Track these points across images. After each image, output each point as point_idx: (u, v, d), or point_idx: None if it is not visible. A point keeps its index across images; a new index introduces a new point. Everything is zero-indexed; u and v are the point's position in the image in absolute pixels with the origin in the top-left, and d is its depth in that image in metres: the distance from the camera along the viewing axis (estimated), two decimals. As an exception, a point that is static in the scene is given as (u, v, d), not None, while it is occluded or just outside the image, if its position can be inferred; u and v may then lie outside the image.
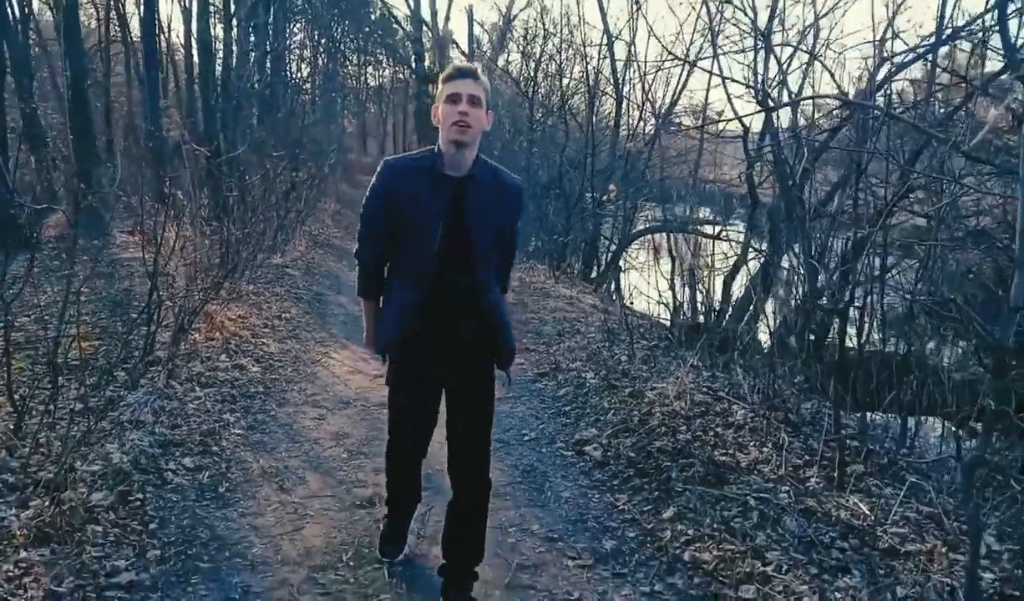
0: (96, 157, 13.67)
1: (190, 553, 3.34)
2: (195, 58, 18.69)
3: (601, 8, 12.34)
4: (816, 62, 8.04)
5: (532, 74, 15.07)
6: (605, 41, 12.32)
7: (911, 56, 7.59)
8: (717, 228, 11.35)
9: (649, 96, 12.31)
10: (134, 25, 20.87)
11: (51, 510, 3.40)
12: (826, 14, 8.56)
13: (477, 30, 25.72)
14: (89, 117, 13.43)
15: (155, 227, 6.46)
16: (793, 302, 5.73)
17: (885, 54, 7.17)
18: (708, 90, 15.60)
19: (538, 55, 15.31)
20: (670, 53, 10.62)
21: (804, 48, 7.99)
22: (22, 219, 10.65)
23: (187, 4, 20.41)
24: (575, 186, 11.98)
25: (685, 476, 4.08)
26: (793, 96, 7.69)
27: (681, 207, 11.75)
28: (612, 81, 12.41)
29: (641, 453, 4.41)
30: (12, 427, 4.32)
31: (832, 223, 6.03)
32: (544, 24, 15.20)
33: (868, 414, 4.78)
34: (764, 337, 6.68)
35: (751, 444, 4.42)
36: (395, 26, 29.84)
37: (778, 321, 6.22)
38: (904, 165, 5.52)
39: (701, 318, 7.38)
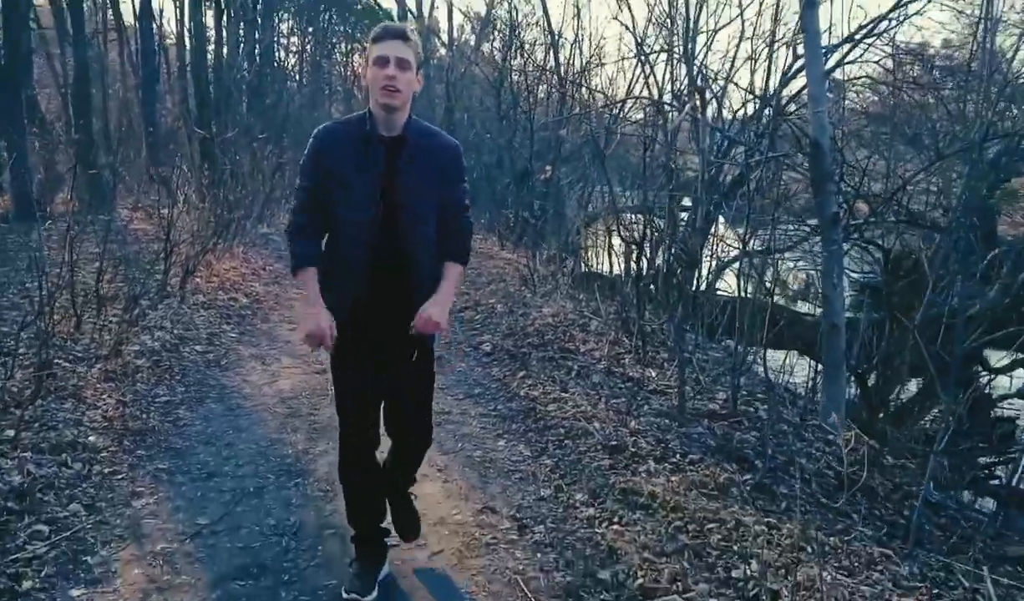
0: (95, 141, 15.30)
1: (203, 390, 5.25)
2: (188, 48, 20.28)
3: (545, 11, 14.20)
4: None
5: (500, 67, 16.98)
6: (550, 41, 14.20)
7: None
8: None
9: (589, 89, 14.19)
10: (124, 12, 21.93)
11: (112, 365, 5.26)
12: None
13: (461, 19, 27.11)
14: (90, 103, 15.00)
15: (169, 189, 8.27)
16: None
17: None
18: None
19: (505, 50, 17.23)
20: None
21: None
22: (35, 195, 12.36)
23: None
24: (522, 168, 13.85)
25: (539, 356, 5.98)
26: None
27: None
28: (557, 76, 14.27)
29: (516, 347, 6.33)
30: (72, 329, 6.17)
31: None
32: (512, 20, 17.15)
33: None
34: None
35: (592, 340, 6.33)
36: (380, 15, 30.69)
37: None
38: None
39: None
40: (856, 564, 3.27)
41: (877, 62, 7.08)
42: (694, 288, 5.39)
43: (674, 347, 5.12)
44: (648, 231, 6.22)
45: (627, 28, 9.08)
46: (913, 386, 8.10)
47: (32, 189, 12.67)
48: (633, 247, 6.25)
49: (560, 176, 12.34)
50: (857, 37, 6.27)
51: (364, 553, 3.01)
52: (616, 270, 9.35)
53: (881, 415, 7.46)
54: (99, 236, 7.86)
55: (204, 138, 11.82)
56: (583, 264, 8.72)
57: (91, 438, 4.21)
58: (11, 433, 4.07)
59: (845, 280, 7.10)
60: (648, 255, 6.36)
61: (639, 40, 8.98)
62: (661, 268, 6.48)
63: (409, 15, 26.68)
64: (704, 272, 7.96)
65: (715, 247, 7.61)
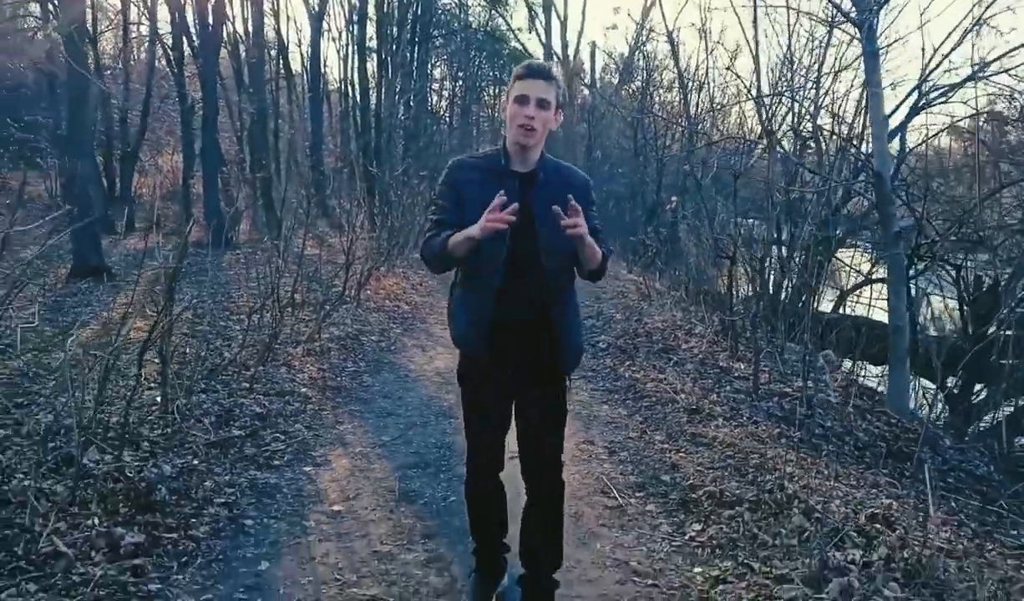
0: (271, 178, 17.44)
1: (379, 365, 6.81)
2: (350, 95, 22.50)
3: (675, 55, 15.40)
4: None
5: (637, 108, 18.37)
6: (680, 84, 15.39)
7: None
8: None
9: (717, 127, 15.29)
10: (292, 60, 24.12)
11: (311, 346, 6.90)
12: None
13: (606, 60, 28.42)
14: (266, 145, 17.11)
15: (348, 219, 10.06)
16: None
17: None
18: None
19: (642, 91, 18.63)
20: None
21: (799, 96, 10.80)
22: (226, 226, 14.53)
23: (341, 50, 24.06)
24: (651, 201, 15.09)
25: (644, 350, 7.20)
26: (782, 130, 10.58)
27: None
28: (685, 114, 15.45)
29: (627, 343, 7.56)
30: (277, 323, 7.91)
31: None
32: (648, 66, 18.55)
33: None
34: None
35: (693, 341, 7.48)
36: (528, 59, 31.93)
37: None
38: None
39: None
40: (862, 483, 4.34)
41: (964, 102, 7.89)
42: (767, 290, 6.47)
43: (751, 336, 6.22)
44: (737, 250, 7.34)
45: (736, 75, 10.32)
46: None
47: (224, 221, 14.89)
48: (728, 262, 7.39)
49: (682, 208, 13.47)
50: (931, 95, 7.20)
51: (484, 567, 3.09)
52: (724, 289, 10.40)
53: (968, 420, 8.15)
54: (288, 258, 9.72)
55: (372, 176, 13.73)
56: (695, 282, 9.84)
57: (303, 390, 5.79)
58: (247, 385, 5.69)
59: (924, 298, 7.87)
60: (746, 270, 7.49)
61: (747, 86, 10.07)
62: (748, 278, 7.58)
63: (555, 57, 28.22)
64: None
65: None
